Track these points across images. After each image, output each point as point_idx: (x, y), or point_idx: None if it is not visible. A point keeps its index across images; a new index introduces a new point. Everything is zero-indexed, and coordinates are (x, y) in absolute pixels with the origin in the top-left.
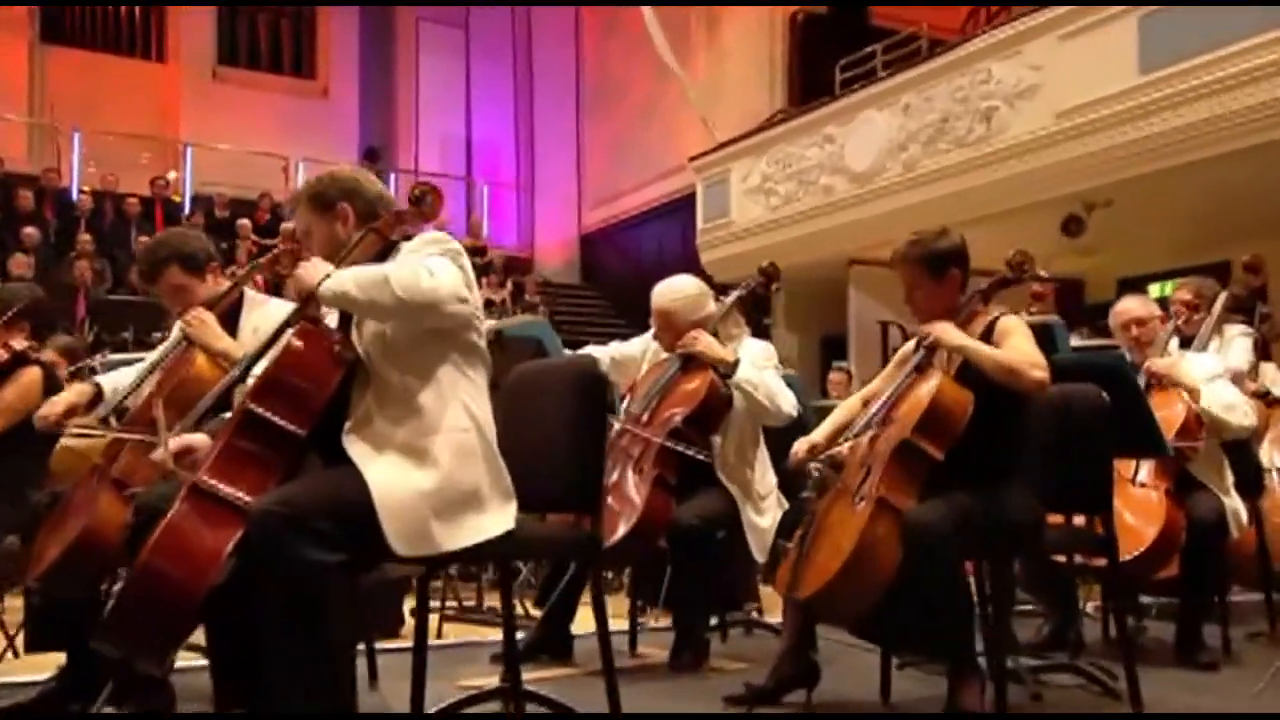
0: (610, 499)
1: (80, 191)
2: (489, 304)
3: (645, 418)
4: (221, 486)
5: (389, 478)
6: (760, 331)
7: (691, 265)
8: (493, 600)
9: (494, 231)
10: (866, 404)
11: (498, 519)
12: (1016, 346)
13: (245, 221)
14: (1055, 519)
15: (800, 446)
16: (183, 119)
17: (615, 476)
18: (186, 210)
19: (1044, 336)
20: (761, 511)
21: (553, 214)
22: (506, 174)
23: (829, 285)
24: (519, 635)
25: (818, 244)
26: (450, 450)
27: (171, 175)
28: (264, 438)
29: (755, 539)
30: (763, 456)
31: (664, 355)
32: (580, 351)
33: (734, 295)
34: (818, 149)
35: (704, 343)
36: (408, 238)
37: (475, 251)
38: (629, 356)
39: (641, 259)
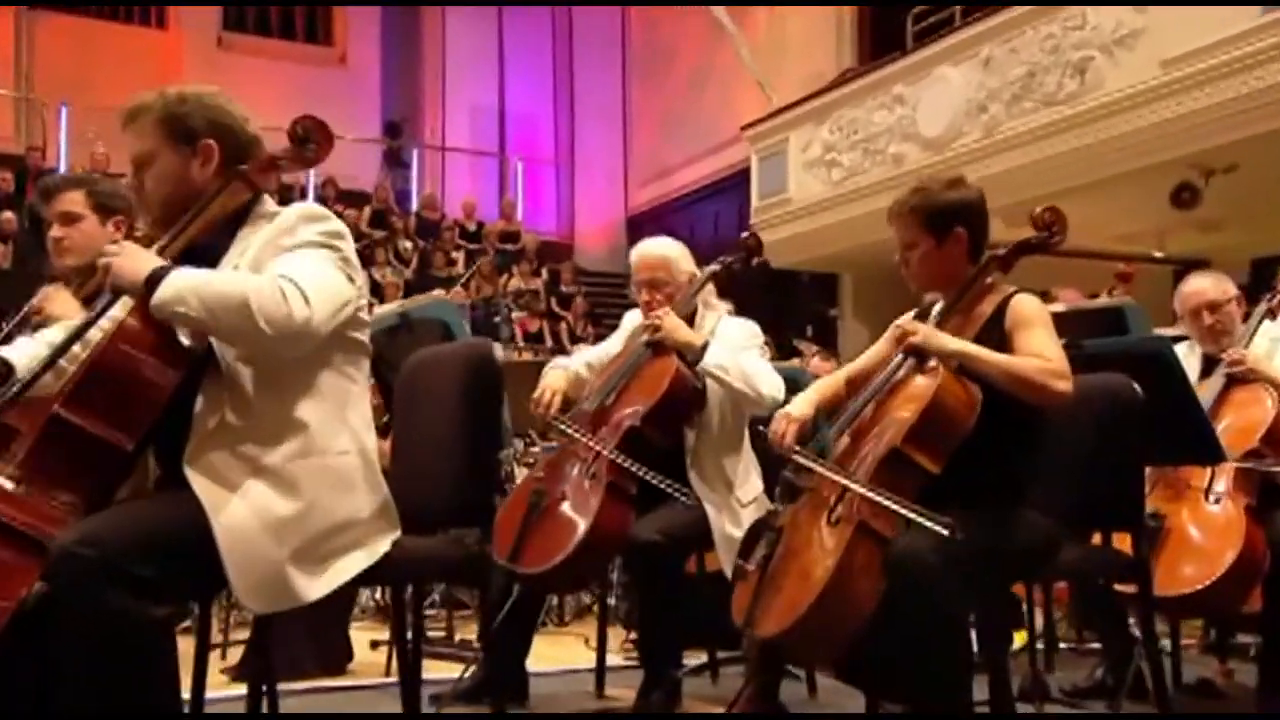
0: (559, 510)
1: (69, 172)
2: (519, 294)
3: (598, 418)
4: (17, 515)
5: (239, 519)
6: (827, 325)
7: None
8: (467, 632)
9: (529, 213)
10: (851, 386)
11: (373, 551)
12: (1032, 346)
13: None
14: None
15: (779, 426)
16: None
17: (564, 484)
18: None
19: (1115, 323)
20: (740, 522)
21: (595, 193)
22: (544, 149)
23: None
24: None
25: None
26: (324, 478)
27: None
28: (75, 451)
29: (727, 555)
30: (747, 455)
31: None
32: (557, 361)
33: (706, 271)
34: (886, 112)
35: (669, 324)
36: (285, 194)
37: (507, 237)
38: (606, 357)
39: (694, 243)
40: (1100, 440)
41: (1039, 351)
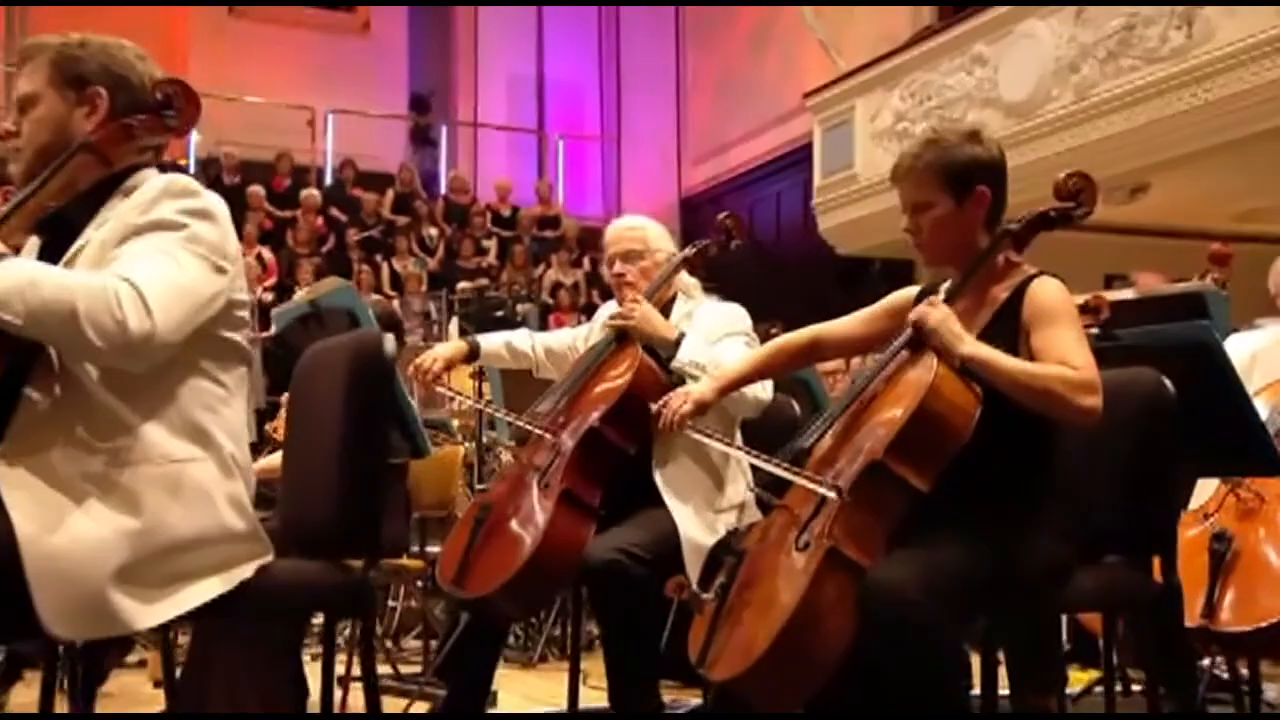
0: (507, 526)
1: None
2: (557, 287)
3: (554, 419)
4: None
5: (45, 527)
6: None
7: (814, 233)
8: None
9: (570, 197)
10: (818, 347)
11: (231, 577)
12: (1055, 349)
13: (257, 189)
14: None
15: (674, 402)
16: (192, 64)
17: (515, 497)
18: (192, 172)
19: (1192, 311)
20: (716, 529)
21: (645, 173)
22: (588, 124)
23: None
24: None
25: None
26: (164, 489)
27: (198, 137)
28: None
29: (694, 567)
30: (732, 459)
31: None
32: (503, 335)
33: (679, 257)
34: (964, 75)
35: (642, 313)
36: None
37: (545, 223)
38: (565, 347)
39: (755, 228)
40: (1126, 448)
41: (1064, 356)
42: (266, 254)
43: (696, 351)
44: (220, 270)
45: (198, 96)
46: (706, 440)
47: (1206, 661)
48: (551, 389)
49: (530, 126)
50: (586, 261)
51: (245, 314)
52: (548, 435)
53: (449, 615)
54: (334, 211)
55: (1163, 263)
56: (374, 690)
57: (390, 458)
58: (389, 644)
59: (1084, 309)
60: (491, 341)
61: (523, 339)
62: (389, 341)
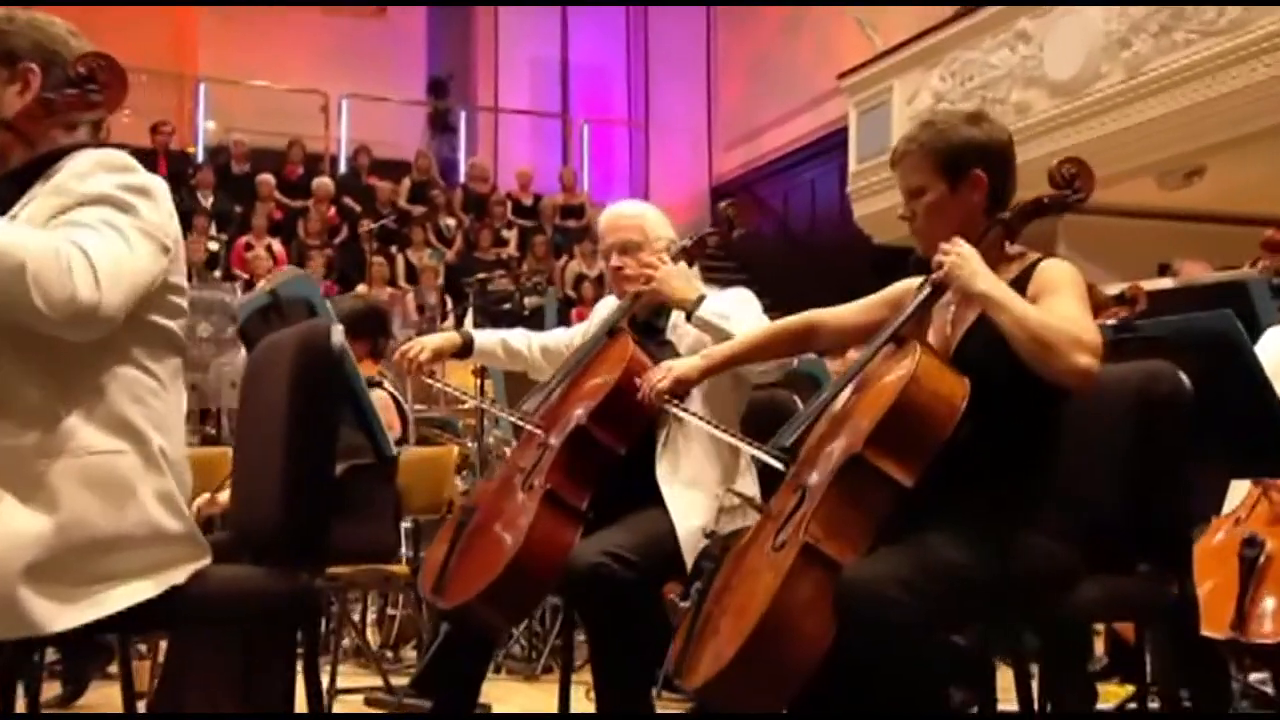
0: (489, 530)
1: None
2: (580, 279)
3: (541, 417)
4: None
5: None
6: None
7: (849, 221)
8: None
9: (596, 184)
10: (811, 331)
11: (162, 581)
12: (1059, 310)
13: (268, 177)
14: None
15: (654, 375)
16: (201, 48)
17: (499, 499)
18: (200, 160)
19: (1232, 298)
20: (721, 526)
21: (674, 159)
22: (615, 108)
23: (1032, 242)
24: None
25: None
26: (83, 483)
27: (209, 124)
28: None
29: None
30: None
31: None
32: (499, 332)
33: (677, 246)
34: (1007, 52)
35: (664, 272)
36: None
37: (568, 212)
38: (564, 346)
39: (789, 216)
40: (1135, 446)
41: (1065, 316)
42: (277, 245)
43: (722, 305)
44: (165, 250)
45: (124, 72)
46: (686, 416)
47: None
48: (539, 386)
49: (554, 111)
50: None
51: (183, 301)
52: (538, 432)
53: (432, 625)
54: (347, 201)
55: (1221, 251)
56: (318, 702)
57: (356, 458)
58: (388, 653)
59: (1120, 300)
60: (487, 338)
61: (519, 338)
62: (337, 333)
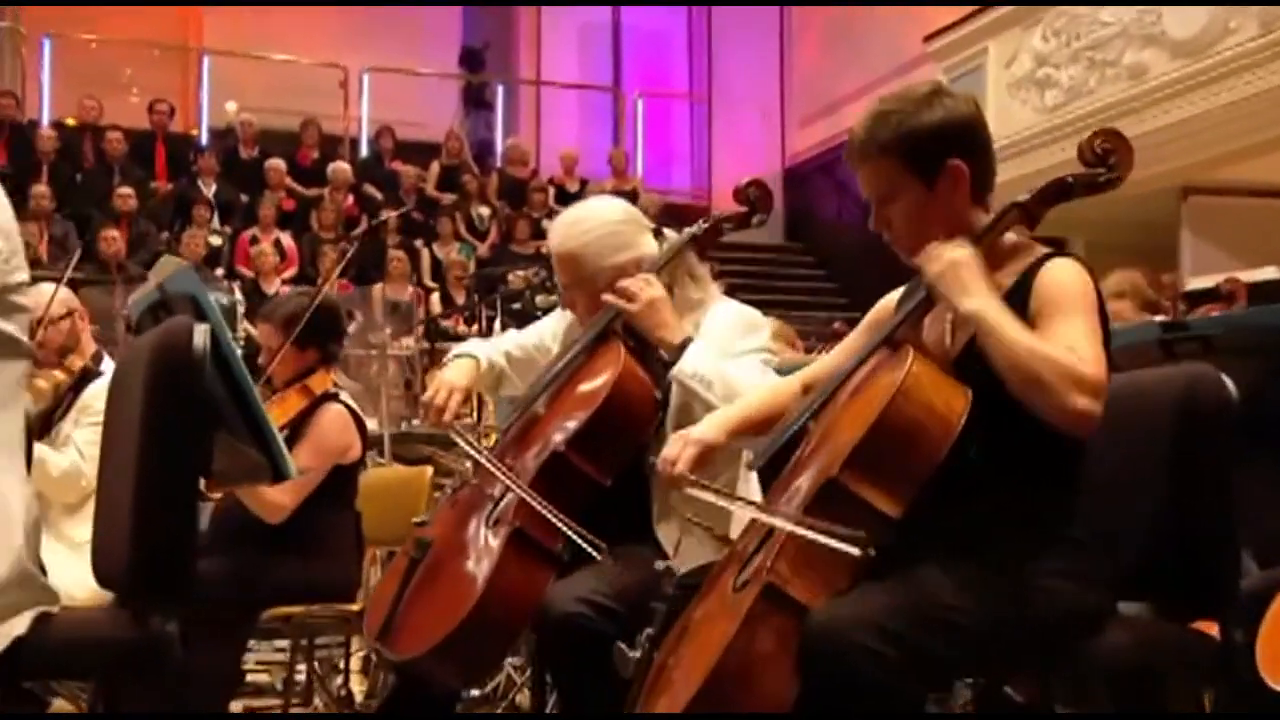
0: (448, 569)
1: (53, 124)
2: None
3: (514, 442)
4: None
5: None
6: None
7: None
8: None
9: (651, 167)
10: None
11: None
12: (1061, 336)
13: (278, 162)
14: None
15: (673, 449)
16: (207, 17)
17: (460, 533)
18: (204, 144)
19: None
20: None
21: (742, 138)
22: (674, 81)
23: (1151, 228)
24: None
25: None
26: None
27: (231, 106)
28: None
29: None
30: (747, 481)
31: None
32: (464, 347)
33: (685, 234)
34: (1120, 7)
35: (650, 296)
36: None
37: (620, 199)
38: (532, 349)
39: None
40: (1169, 466)
41: (1068, 345)
42: (285, 240)
43: (701, 362)
44: None
45: None
46: (713, 498)
47: None
48: (515, 400)
49: (605, 84)
50: None
51: (24, 300)
52: (497, 473)
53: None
54: (368, 188)
55: None
56: None
57: (256, 479)
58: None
59: (1217, 295)
60: (494, 359)
61: (494, 348)
62: (200, 334)
